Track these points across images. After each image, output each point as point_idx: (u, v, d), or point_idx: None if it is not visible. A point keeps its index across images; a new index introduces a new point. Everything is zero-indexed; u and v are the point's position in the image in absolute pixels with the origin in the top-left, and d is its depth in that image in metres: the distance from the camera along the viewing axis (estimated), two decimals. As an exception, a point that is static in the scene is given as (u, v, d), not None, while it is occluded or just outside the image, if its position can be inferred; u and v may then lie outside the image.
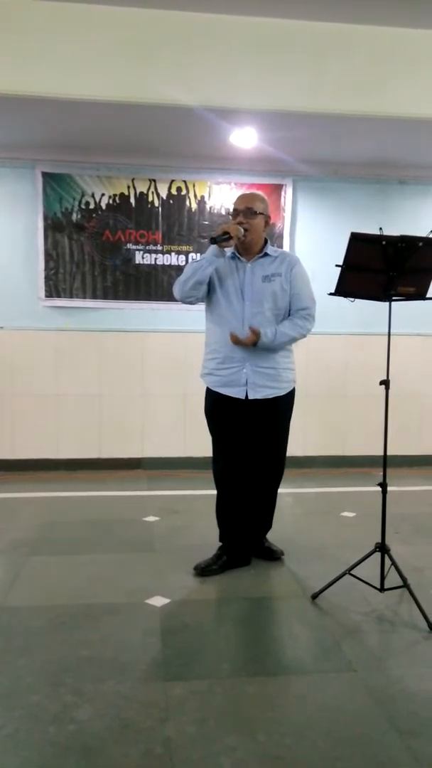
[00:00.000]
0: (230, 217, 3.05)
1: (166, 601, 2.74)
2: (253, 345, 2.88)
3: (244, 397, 2.95)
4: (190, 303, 2.99)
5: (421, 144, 4.43)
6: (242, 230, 2.86)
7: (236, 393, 2.95)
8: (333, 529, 3.75)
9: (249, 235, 2.90)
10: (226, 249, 2.91)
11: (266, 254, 2.98)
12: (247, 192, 3.15)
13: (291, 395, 3.08)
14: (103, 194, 4.91)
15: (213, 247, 2.85)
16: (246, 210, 2.92)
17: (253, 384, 2.94)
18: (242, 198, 3.00)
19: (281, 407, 3.05)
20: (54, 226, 4.89)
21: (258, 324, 2.91)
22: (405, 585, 2.63)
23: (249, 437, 3.02)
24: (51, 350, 4.97)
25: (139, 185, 4.95)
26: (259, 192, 3.25)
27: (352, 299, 2.74)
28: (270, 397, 2.98)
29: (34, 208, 4.87)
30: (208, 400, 3.06)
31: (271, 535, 3.28)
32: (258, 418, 2.99)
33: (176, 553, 3.29)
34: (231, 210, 3.04)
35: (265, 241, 3.01)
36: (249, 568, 3.10)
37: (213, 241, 2.83)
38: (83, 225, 4.92)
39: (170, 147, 4.63)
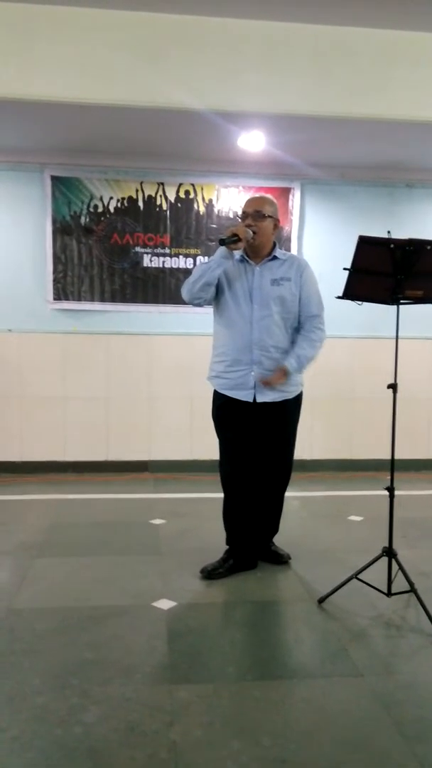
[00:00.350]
0: (239, 220, 3.05)
1: (172, 604, 2.73)
2: (284, 378, 2.92)
3: (252, 401, 2.95)
4: (198, 305, 2.99)
5: (428, 147, 4.42)
6: (251, 233, 2.86)
7: (244, 396, 2.95)
8: (340, 533, 3.74)
9: (257, 237, 2.90)
10: (234, 252, 2.91)
11: (275, 257, 2.98)
12: (256, 195, 3.15)
13: (299, 399, 3.08)
14: (111, 197, 4.93)
15: (222, 249, 2.85)
16: (255, 213, 2.92)
17: (261, 387, 2.94)
18: (251, 201, 3.00)
19: (289, 411, 3.04)
20: (62, 229, 4.91)
21: (266, 327, 2.91)
22: (412, 589, 2.61)
23: (256, 440, 3.01)
24: (59, 353, 4.98)
25: (147, 188, 4.96)
26: (269, 195, 3.24)
27: (359, 302, 2.74)
28: (278, 400, 2.97)
29: (43, 211, 4.89)
30: (216, 402, 3.06)
31: (277, 539, 3.28)
32: (266, 422, 2.98)
33: (182, 556, 3.29)
34: (240, 213, 3.05)
35: (274, 245, 3.01)
36: (255, 571, 3.10)
37: (221, 242, 2.82)
38: (91, 228, 4.93)
39: (178, 150, 4.64)
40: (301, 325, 3.02)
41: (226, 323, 2.98)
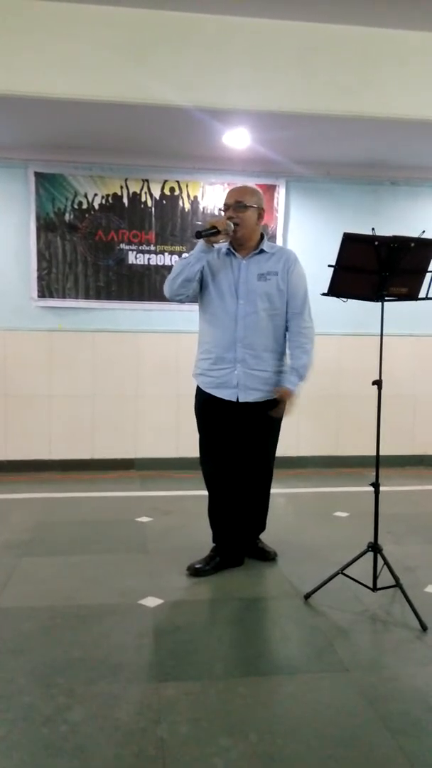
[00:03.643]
0: (221, 214, 2.97)
1: (159, 601, 2.73)
2: (291, 398, 2.91)
3: (235, 400, 2.92)
4: (180, 301, 2.92)
5: (413, 145, 4.44)
6: (232, 225, 2.77)
7: (228, 395, 2.91)
8: (326, 529, 3.75)
9: (240, 229, 2.82)
10: (222, 244, 2.85)
11: (263, 251, 2.91)
12: (238, 186, 3.02)
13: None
14: (95, 194, 4.90)
15: (201, 243, 2.75)
16: (236, 204, 2.83)
17: (244, 386, 2.90)
18: (232, 192, 2.90)
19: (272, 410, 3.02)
20: (47, 226, 4.88)
21: (252, 324, 2.87)
22: (397, 584, 2.63)
23: (239, 439, 2.98)
24: (43, 350, 4.95)
25: (132, 185, 4.94)
26: (251, 185, 3.10)
27: (344, 300, 2.74)
28: (261, 400, 2.93)
29: (27, 208, 4.85)
30: (199, 399, 3.03)
31: (264, 536, 3.28)
32: (249, 421, 2.95)
33: (169, 553, 3.28)
34: (222, 206, 2.94)
35: (262, 237, 2.93)
36: (242, 568, 3.10)
37: (198, 235, 2.71)
38: (76, 225, 4.90)
39: (163, 147, 4.62)
40: (287, 323, 2.97)
41: (211, 319, 2.93)
